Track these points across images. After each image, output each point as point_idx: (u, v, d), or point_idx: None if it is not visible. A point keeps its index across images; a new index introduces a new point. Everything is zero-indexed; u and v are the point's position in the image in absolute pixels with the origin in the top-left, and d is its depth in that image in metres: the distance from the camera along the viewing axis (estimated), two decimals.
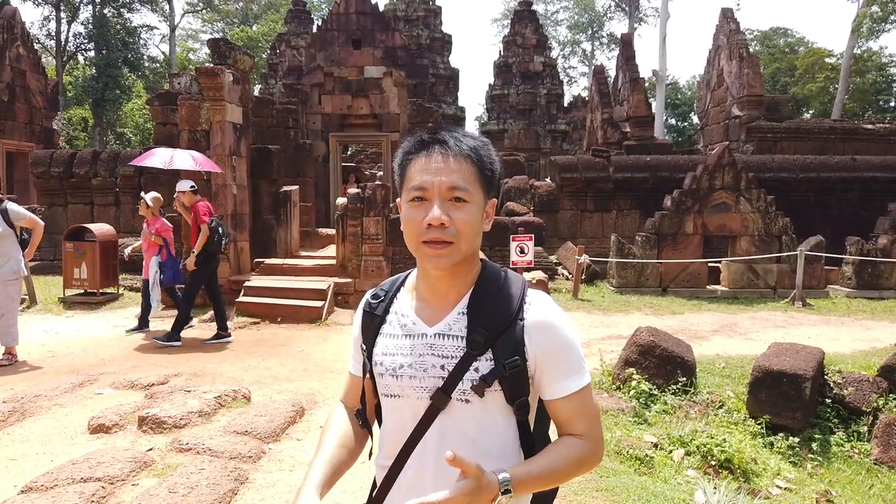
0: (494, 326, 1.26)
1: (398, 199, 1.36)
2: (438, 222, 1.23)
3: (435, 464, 1.27)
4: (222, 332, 7.48)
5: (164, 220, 7.88)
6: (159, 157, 7.94)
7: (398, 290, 1.42)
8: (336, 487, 4.11)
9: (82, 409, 4.86)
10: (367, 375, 1.40)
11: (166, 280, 7.73)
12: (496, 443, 1.29)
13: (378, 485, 1.39)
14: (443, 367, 1.27)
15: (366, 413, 1.45)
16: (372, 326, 1.39)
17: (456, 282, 1.32)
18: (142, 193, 7.94)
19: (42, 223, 6.67)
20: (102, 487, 3.34)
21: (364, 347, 1.40)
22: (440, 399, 1.27)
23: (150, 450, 3.96)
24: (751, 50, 17.65)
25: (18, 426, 4.53)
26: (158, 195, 7.97)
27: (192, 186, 7.59)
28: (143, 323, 7.96)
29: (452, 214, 1.24)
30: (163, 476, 3.53)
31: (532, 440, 1.33)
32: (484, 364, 1.25)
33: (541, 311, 1.30)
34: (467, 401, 1.26)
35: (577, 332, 1.33)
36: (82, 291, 9.88)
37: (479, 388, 1.24)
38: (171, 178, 13.83)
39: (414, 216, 1.27)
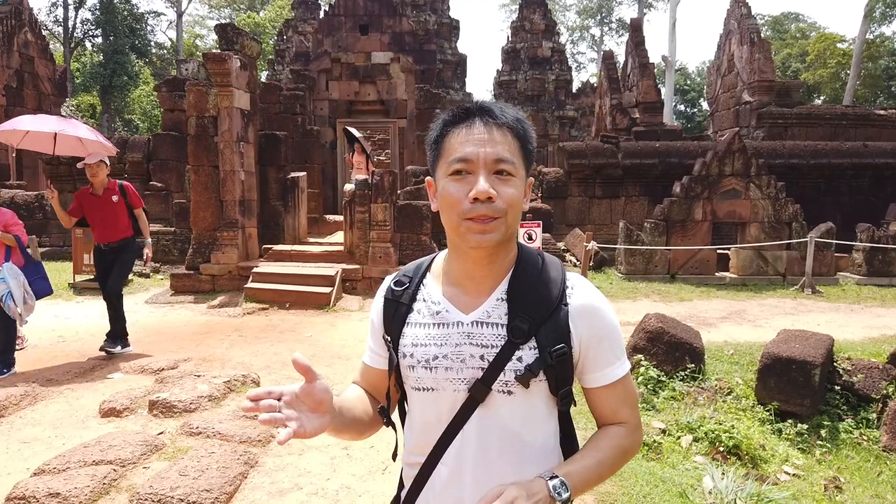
0: (538, 313, 1.18)
1: (428, 178, 1.27)
2: (486, 196, 1.13)
3: (473, 460, 1.20)
4: (123, 339, 6.15)
5: (8, 210, 5.72)
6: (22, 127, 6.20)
7: (424, 275, 1.32)
8: (344, 471, 4.09)
9: (93, 394, 4.91)
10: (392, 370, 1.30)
11: (39, 292, 5.63)
12: (538, 435, 1.22)
13: (408, 484, 1.30)
14: (482, 358, 1.18)
15: (389, 409, 1.35)
16: (397, 316, 1.28)
17: (494, 265, 1.22)
18: None
19: None
20: (114, 470, 3.38)
21: (388, 339, 1.29)
22: (479, 391, 1.18)
23: (161, 433, 3.99)
24: (762, 35, 17.42)
25: (30, 410, 4.58)
26: None
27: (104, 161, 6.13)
28: (8, 361, 5.47)
29: (498, 189, 1.15)
30: (173, 459, 3.57)
31: (572, 431, 1.28)
32: (528, 353, 1.17)
33: (584, 295, 1.22)
34: (510, 392, 1.18)
35: (616, 317, 1.27)
36: (92, 277, 9.91)
37: (525, 378, 1.16)
38: (178, 165, 13.83)
39: (456, 190, 1.16)
